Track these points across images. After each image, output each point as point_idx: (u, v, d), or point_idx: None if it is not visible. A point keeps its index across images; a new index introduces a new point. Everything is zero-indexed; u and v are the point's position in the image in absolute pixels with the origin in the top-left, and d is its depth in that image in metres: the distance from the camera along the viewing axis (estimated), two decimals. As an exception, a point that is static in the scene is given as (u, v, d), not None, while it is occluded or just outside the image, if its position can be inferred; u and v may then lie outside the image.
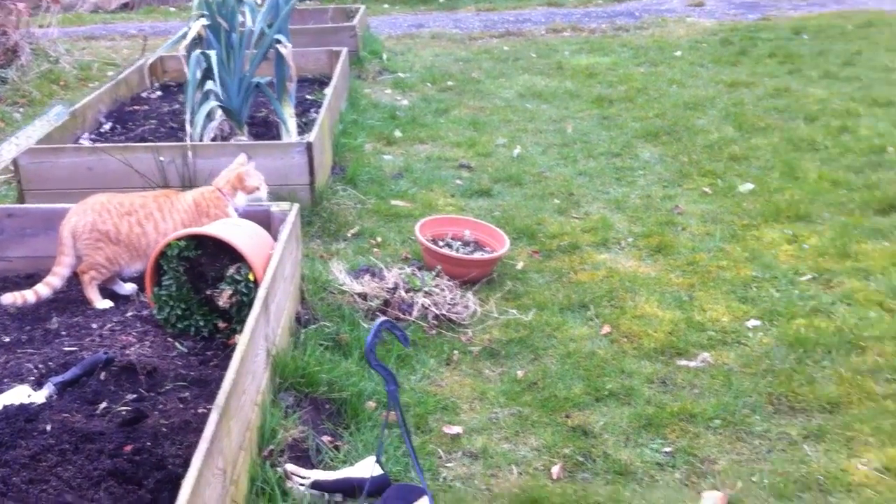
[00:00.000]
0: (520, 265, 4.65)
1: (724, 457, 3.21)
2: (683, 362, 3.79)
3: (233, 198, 4.00)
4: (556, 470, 3.15)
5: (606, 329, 4.04)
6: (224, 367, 2.77)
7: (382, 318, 2.38)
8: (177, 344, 3.47)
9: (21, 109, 7.63)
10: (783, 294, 4.26)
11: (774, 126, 6.57)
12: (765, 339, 3.91)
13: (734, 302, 4.23)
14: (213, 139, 5.59)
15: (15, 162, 4.96)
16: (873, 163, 5.73)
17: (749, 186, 5.51)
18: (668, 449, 3.26)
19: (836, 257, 4.57)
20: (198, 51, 5.43)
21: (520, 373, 3.73)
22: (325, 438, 3.18)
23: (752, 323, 4.05)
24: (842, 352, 3.76)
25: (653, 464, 3.18)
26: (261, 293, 3.20)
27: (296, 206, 4.03)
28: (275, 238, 3.77)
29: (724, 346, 3.89)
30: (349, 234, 5.00)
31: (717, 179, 5.68)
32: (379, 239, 4.95)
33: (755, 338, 3.93)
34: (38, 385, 3.13)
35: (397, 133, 6.70)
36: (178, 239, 3.49)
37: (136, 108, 6.77)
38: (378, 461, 2.80)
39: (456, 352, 3.87)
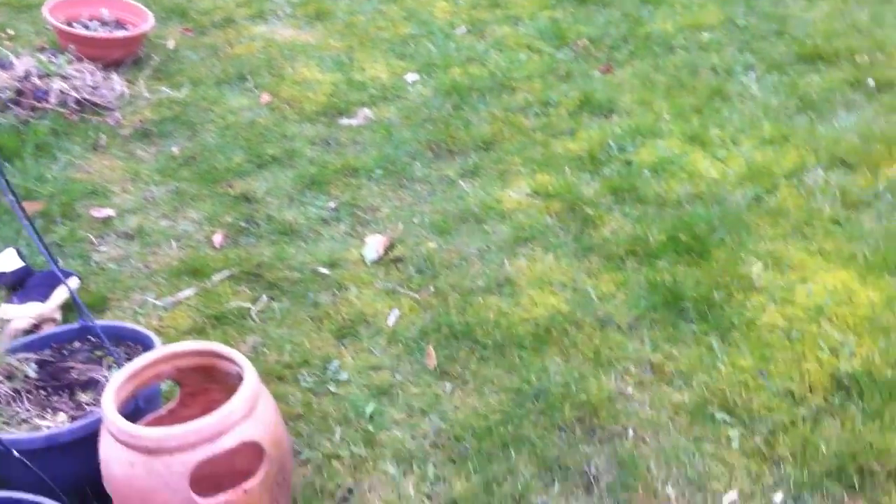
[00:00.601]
0: (171, 44, 4.34)
1: (387, 204, 3.24)
2: (345, 121, 3.75)
3: None
4: (217, 238, 3.05)
5: (266, 98, 3.89)
6: None
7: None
8: None
9: None
10: (440, 48, 4.28)
11: None
12: (423, 90, 3.94)
13: (393, 59, 4.20)
14: None
15: None
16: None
17: (405, -53, 5.41)
18: (332, 204, 3.23)
19: (488, 8, 4.63)
20: None
21: (175, 149, 3.52)
22: (-42, 241, 2.88)
23: (410, 77, 4.05)
24: (494, 94, 3.86)
25: (318, 220, 3.16)
26: None
27: None
28: None
29: (384, 102, 3.88)
30: (-29, 29, 4.43)
31: (374, -57, 5.53)
32: (11, 32, 4.42)
33: (414, 90, 3.94)
34: None
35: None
36: None
37: None
38: None
39: (104, 136, 3.59)
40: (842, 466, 2.18)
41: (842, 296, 2.69)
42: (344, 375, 2.48)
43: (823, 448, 2.22)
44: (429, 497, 2.15)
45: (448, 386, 2.46)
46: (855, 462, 2.19)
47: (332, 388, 2.44)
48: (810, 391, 2.39)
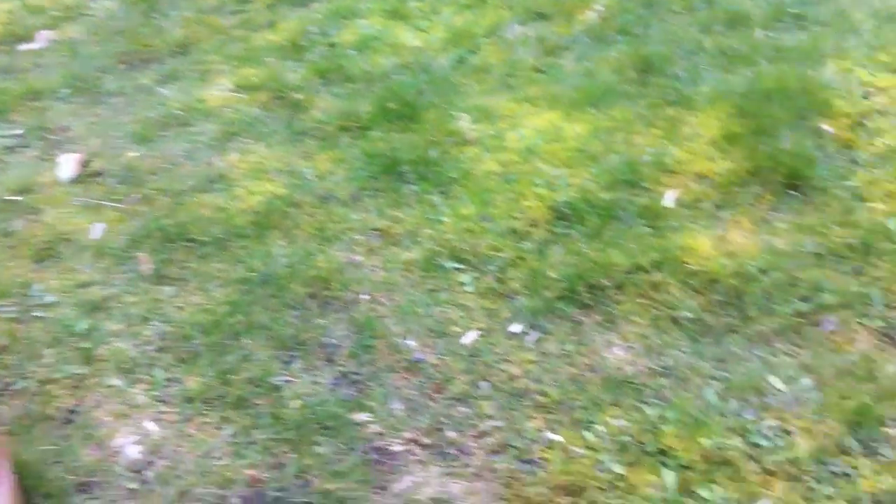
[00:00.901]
0: None
1: (80, 122, 2.99)
2: (25, 46, 3.44)
3: None
4: None
5: (-73, 35, 3.49)
6: None
7: None
8: None
9: None
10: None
11: None
12: (109, 4, 3.68)
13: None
14: None
15: None
16: None
17: None
18: (18, 131, 2.95)
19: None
20: None
21: None
22: None
23: (91, -7, 3.75)
24: (185, -2, 3.65)
25: (2, 149, 2.86)
26: None
27: None
28: None
29: (67, 22, 3.59)
30: None
31: None
32: None
33: (99, 6, 3.67)
34: None
35: None
36: None
37: None
38: None
39: None
40: (572, 288, 2.21)
41: (551, 134, 2.73)
42: (50, 298, 2.26)
43: (552, 274, 2.25)
44: (162, 401, 2.00)
45: (168, 289, 2.30)
46: (583, 281, 2.22)
47: (38, 314, 2.22)
48: (533, 226, 2.41)
